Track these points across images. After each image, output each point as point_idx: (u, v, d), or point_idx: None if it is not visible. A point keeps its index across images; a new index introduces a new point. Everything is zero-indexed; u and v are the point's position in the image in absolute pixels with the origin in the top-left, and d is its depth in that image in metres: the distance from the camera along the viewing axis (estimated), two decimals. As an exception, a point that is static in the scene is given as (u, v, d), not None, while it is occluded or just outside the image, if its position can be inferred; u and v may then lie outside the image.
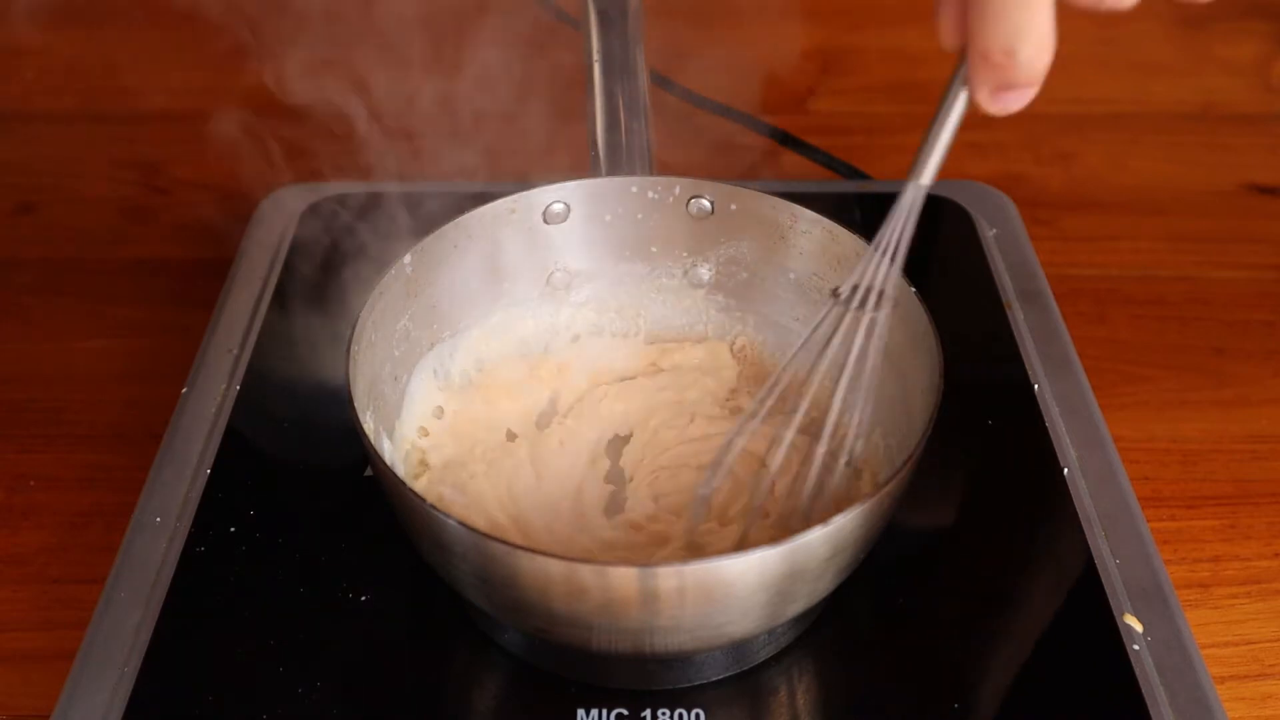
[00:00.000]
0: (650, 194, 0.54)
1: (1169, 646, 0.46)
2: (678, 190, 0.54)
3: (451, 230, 0.51)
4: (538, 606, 0.40)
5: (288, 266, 0.64)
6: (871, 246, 0.42)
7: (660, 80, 0.83)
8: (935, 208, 0.68)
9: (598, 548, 0.47)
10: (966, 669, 0.46)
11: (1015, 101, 0.36)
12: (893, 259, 0.42)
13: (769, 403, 0.46)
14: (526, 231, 0.53)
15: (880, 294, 0.43)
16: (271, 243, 0.66)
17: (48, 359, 0.64)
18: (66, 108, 0.85)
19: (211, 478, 0.52)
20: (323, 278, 0.64)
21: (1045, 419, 0.55)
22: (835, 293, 0.44)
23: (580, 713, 0.44)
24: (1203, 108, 0.84)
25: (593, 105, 0.61)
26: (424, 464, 0.49)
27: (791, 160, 0.77)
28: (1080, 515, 0.51)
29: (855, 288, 0.43)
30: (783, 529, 0.45)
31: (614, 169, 0.59)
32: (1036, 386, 0.56)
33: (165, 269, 0.70)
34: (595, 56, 0.59)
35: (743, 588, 0.39)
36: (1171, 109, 0.84)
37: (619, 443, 0.52)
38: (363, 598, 0.48)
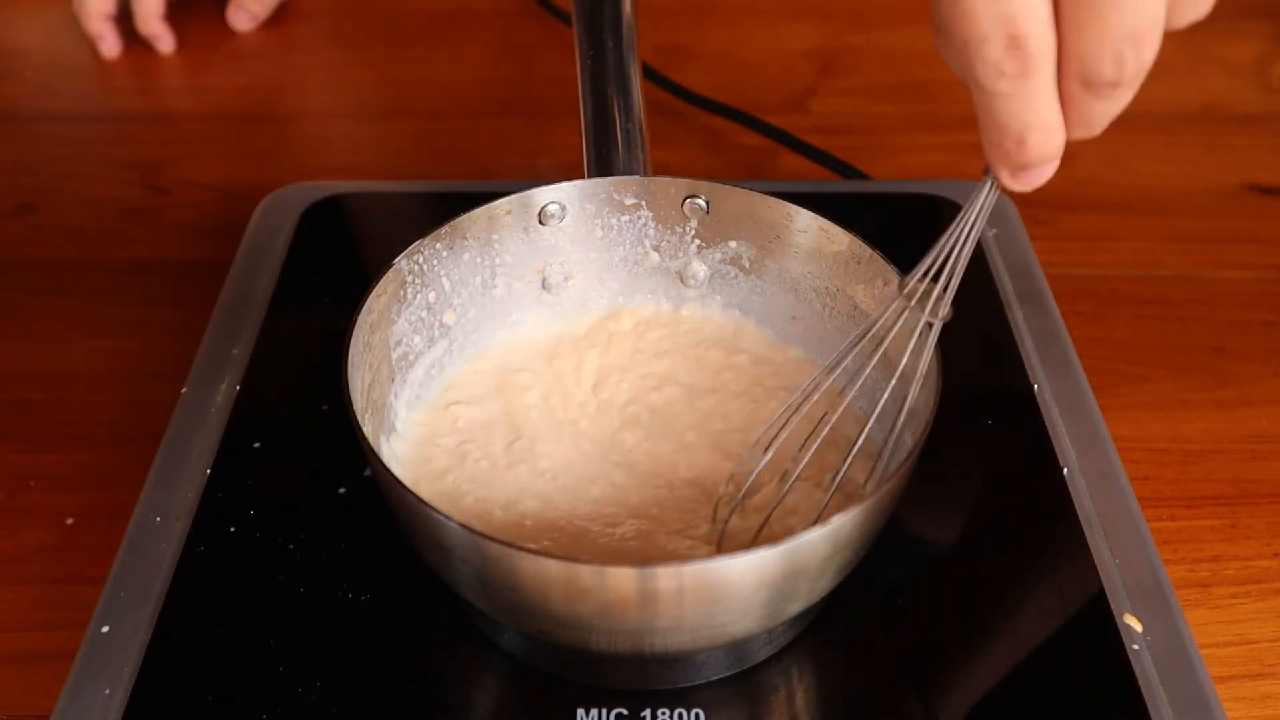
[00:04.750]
0: (646, 194, 0.54)
1: (1169, 646, 0.46)
2: (673, 190, 0.54)
3: (447, 232, 0.51)
4: (537, 607, 0.40)
5: (288, 266, 0.64)
6: (941, 240, 0.40)
7: (659, 79, 0.83)
8: (935, 208, 0.68)
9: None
10: (966, 669, 0.46)
11: (1037, 177, 0.36)
12: (961, 253, 0.40)
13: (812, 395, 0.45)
14: (522, 232, 0.53)
15: (940, 298, 0.41)
16: (271, 243, 0.66)
17: (48, 359, 0.64)
18: (66, 108, 0.85)
19: (211, 478, 0.52)
20: (322, 277, 0.64)
21: (1045, 419, 0.55)
22: (900, 286, 0.42)
23: (580, 713, 0.44)
24: (1203, 108, 0.84)
25: (586, 105, 0.61)
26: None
27: (791, 160, 0.77)
28: (1080, 515, 0.51)
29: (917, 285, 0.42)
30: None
31: (609, 169, 0.59)
32: (1036, 386, 0.56)
33: (165, 269, 0.70)
34: (588, 56, 0.59)
35: (743, 587, 0.39)
36: (1171, 109, 0.84)
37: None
38: (363, 598, 0.48)
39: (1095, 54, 0.31)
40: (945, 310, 0.41)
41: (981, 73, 0.32)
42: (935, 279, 0.41)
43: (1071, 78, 0.32)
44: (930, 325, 0.41)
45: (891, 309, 0.43)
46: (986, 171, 0.38)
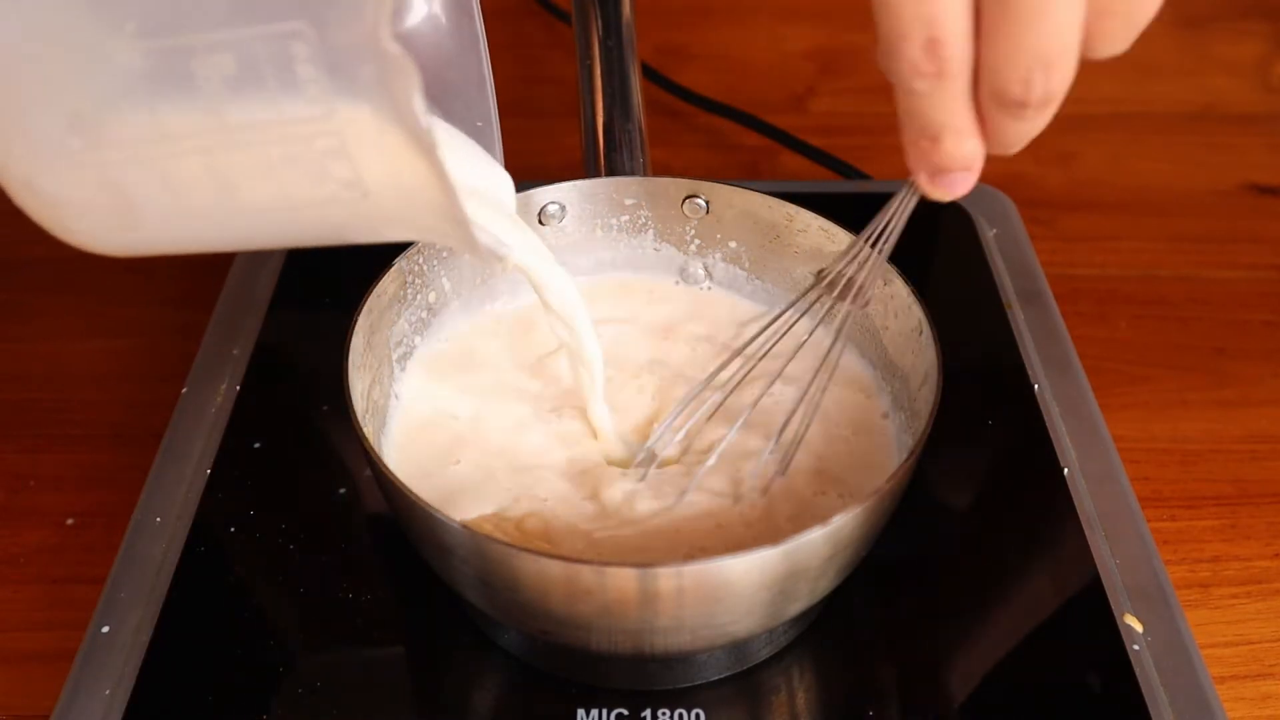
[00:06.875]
0: (646, 194, 0.54)
1: (1169, 646, 0.46)
2: (673, 190, 0.54)
3: (451, 230, 0.51)
4: (538, 608, 0.40)
5: (288, 266, 0.64)
6: (859, 236, 0.43)
7: (659, 79, 0.83)
8: (935, 208, 0.68)
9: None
10: (966, 669, 0.46)
11: (954, 184, 0.37)
12: (879, 252, 0.42)
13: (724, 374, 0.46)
14: (523, 232, 0.53)
15: (859, 288, 0.43)
16: (271, 243, 0.65)
17: (48, 359, 0.64)
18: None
19: (211, 478, 0.52)
20: (322, 277, 0.64)
21: (1045, 419, 0.55)
22: (820, 275, 0.45)
23: (580, 713, 0.44)
24: (1203, 108, 0.84)
25: (587, 105, 0.61)
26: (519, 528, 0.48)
27: (791, 160, 0.77)
28: (1080, 515, 0.51)
29: (840, 276, 0.44)
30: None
31: (609, 169, 0.59)
32: (1036, 386, 0.56)
33: (165, 269, 0.70)
34: (589, 56, 0.59)
35: (744, 587, 0.39)
36: (1171, 109, 0.84)
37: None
38: (363, 598, 0.48)
39: (1006, 71, 0.32)
40: (866, 302, 0.43)
41: (900, 70, 0.33)
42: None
43: (984, 92, 0.33)
44: (849, 314, 0.44)
45: (808, 297, 0.46)
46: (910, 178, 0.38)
